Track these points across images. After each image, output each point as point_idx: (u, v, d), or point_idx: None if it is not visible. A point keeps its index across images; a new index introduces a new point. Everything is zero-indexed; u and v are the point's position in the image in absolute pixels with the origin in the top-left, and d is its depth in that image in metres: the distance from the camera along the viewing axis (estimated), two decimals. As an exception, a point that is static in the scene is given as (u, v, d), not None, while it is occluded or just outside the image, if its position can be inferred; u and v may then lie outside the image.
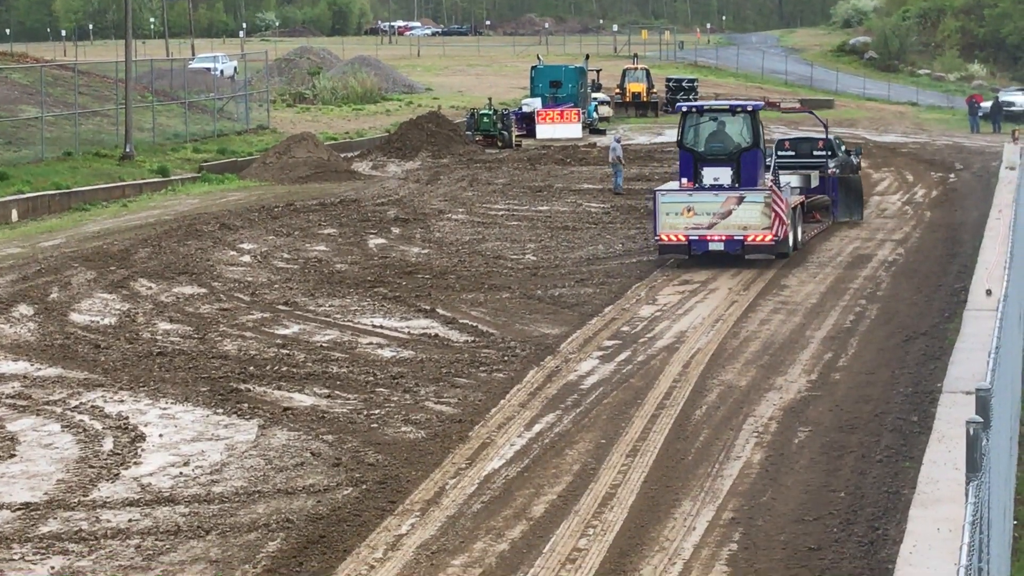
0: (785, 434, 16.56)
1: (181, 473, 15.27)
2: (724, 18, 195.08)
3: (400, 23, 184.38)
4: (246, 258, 29.48)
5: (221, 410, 17.72)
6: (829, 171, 34.99)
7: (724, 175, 28.46)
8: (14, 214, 35.84)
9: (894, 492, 14.19)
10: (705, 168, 28.62)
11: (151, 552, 12.96)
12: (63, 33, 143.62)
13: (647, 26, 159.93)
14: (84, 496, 14.49)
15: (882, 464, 15.25)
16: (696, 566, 12.51)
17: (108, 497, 14.47)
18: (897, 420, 16.95)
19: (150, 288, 26.01)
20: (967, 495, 7.34)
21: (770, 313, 23.82)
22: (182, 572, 12.52)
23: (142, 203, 39.54)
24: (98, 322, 23.08)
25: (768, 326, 22.74)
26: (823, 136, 36.52)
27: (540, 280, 26.79)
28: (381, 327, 22.65)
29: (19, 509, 14.13)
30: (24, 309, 23.97)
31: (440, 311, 23.86)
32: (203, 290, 25.82)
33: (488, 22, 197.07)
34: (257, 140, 54.18)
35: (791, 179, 32.14)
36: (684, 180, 28.89)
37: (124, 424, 17.08)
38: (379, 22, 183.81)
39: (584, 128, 61.53)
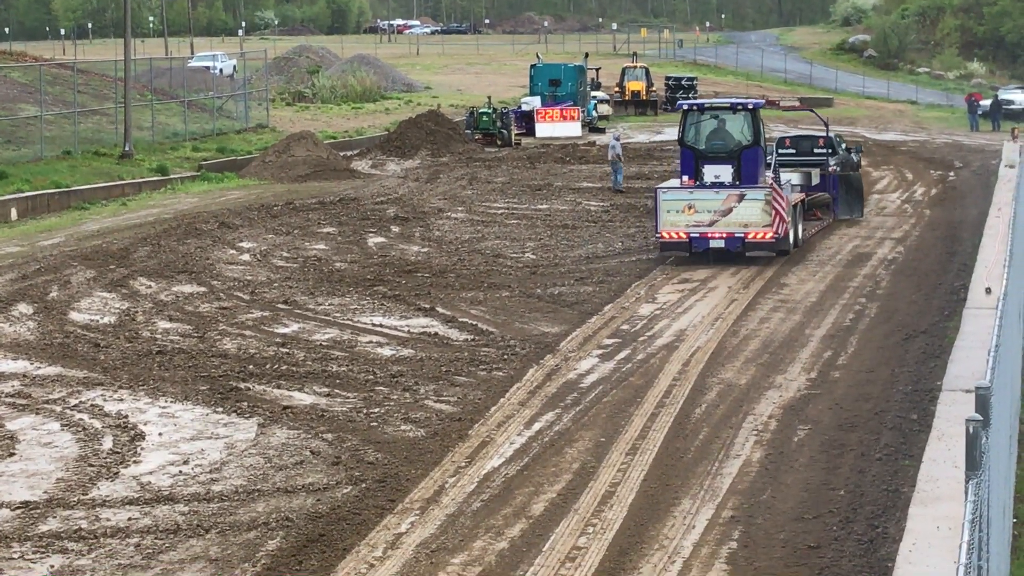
0: (785, 432, 16.56)
1: (180, 472, 15.27)
2: (723, 16, 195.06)
3: (399, 21, 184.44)
4: (245, 257, 29.48)
5: (221, 409, 17.71)
6: (830, 169, 35.04)
7: (725, 173, 28.56)
8: (13, 213, 35.84)
9: (894, 490, 14.19)
10: (706, 166, 28.72)
11: (150, 551, 12.95)
12: (62, 32, 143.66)
13: (646, 24, 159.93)
14: (83, 495, 14.48)
15: (882, 462, 15.25)
16: (696, 564, 12.51)
17: (107, 496, 14.46)
18: (897, 418, 16.95)
19: (149, 287, 26.00)
20: (967, 493, 7.35)
21: (770, 311, 23.82)
22: (181, 571, 12.52)
23: (141, 202, 39.53)
24: (97, 321, 23.07)
25: (768, 324, 22.74)
26: (824, 134, 36.59)
27: (540, 278, 26.79)
28: (381, 326, 22.65)
29: (18, 508, 14.12)
30: (23, 308, 23.96)
31: (440, 310, 23.86)
32: (202, 289, 25.81)
33: (487, 20, 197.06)
34: (256, 139, 54.16)
35: (792, 177, 32.18)
36: (685, 178, 28.97)
37: (124, 423, 17.08)
38: (378, 20, 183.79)
39: (583, 127, 61.53)
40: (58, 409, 17.76)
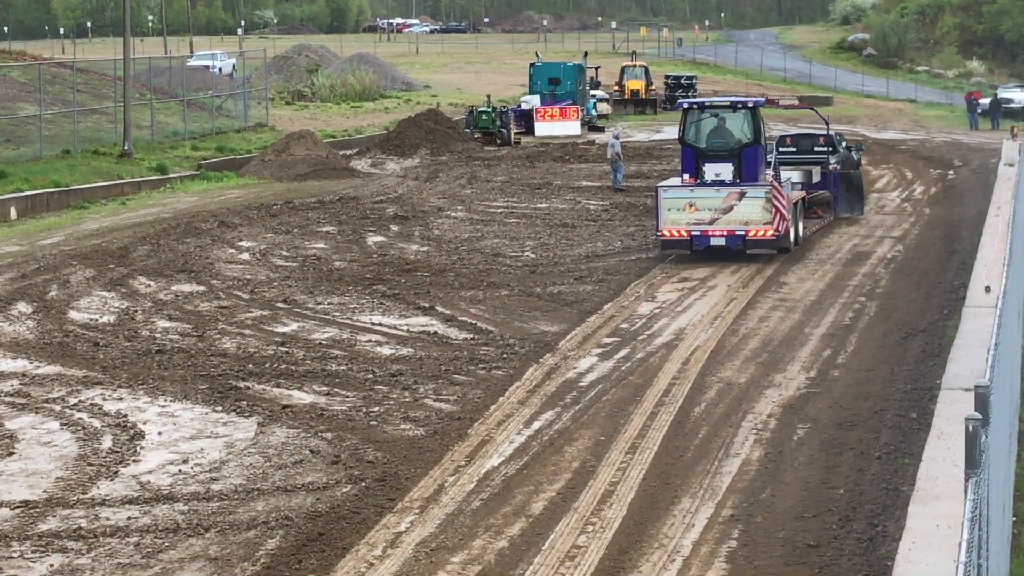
0: (784, 431, 16.56)
1: (180, 471, 15.27)
2: (723, 15, 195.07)
3: (398, 20, 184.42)
4: (245, 256, 29.48)
5: (220, 408, 17.71)
6: (830, 167, 35.09)
7: (725, 171, 28.68)
8: (13, 212, 35.83)
9: (893, 489, 14.19)
10: (707, 164, 28.84)
11: (150, 550, 12.95)
12: (61, 31, 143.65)
13: (645, 23, 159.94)
14: (83, 494, 14.48)
15: (881, 461, 15.25)
16: (695, 563, 12.51)
17: (107, 495, 14.46)
18: (896, 417, 16.95)
19: (149, 286, 26.00)
20: (966, 492, 7.35)
21: (769, 310, 23.82)
22: (181, 570, 12.52)
23: (141, 201, 39.53)
24: (97, 320, 23.07)
25: (767, 323, 22.74)
26: (824, 132, 36.65)
27: (539, 277, 26.79)
28: (380, 325, 22.65)
29: (18, 507, 14.12)
30: (23, 307, 23.96)
31: (439, 309, 23.86)
32: (202, 288, 25.81)
33: (486, 19, 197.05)
34: (256, 138, 54.15)
35: (792, 175, 32.26)
36: (686, 176, 29.06)
37: (123, 422, 17.07)
38: (377, 19, 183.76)
39: (583, 125, 61.53)
40: (57, 408, 17.76)
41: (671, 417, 17.14)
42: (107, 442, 16.29)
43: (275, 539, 13.16)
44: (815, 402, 17.84)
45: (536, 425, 16.87)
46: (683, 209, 28.48)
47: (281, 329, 22.40)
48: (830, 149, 36.28)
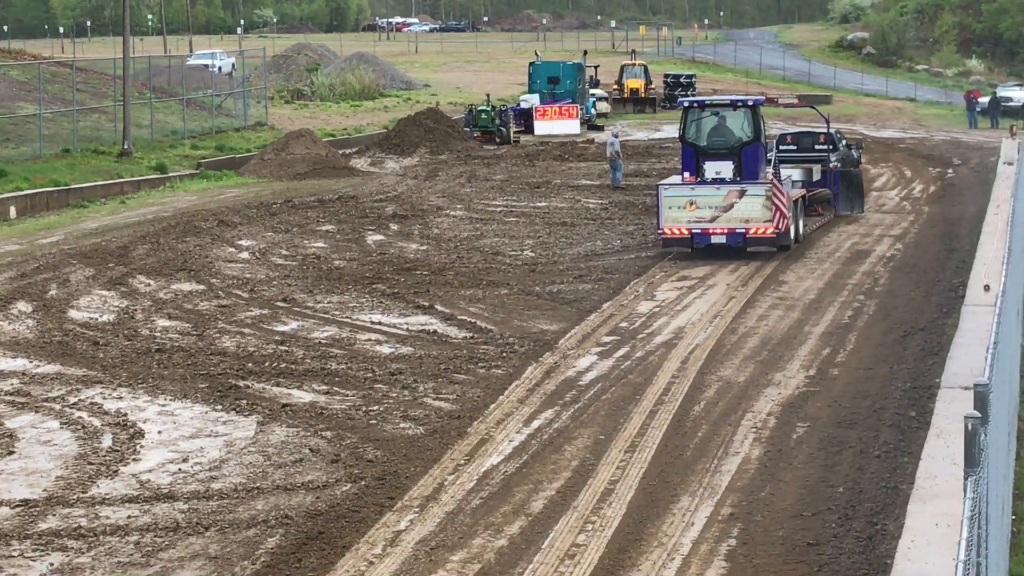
0: (783, 430, 16.57)
1: (180, 470, 15.27)
2: (722, 14, 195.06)
3: (398, 19, 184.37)
4: (244, 255, 29.49)
5: (220, 407, 17.72)
6: (831, 165, 35.15)
7: (726, 169, 28.79)
8: (12, 211, 35.83)
9: (892, 487, 14.20)
10: (707, 162, 28.94)
11: (150, 549, 12.96)
12: (61, 30, 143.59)
13: (645, 22, 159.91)
14: (83, 493, 14.49)
15: (880, 460, 15.26)
16: (695, 562, 12.51)
17: (107, 494, 14.47)
18: (895, 415, 16.95)
19: (148, 285, 26.00)
20: (965, 490, 7.35)
21: (768, 309, 23.83)
22: (181, 568, 12.52)
23: (140, 200, 39.53)
24: (97, 319, 23.08)
25: (766, 322, 22.75)
26: (825, 130, 36.72)
27: (538, 276, 26.80)
28: (380, 323, 22.65)
29: (18, 506, 14.13)
30: (23, 306, 23.97)
31: (439, 307, 23.86)
32: (201, 287, 25.82)
33: (486, 18, 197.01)
34: (255, 137, 54.15)
35: (793, 173, 32.35)
36: (686, 174, 29.15)
37: (123, 421, 17.08)
38: (377, 18, 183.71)
39: (582, 124, 61.54)
40: (57, 407, 17.76)
41: (670, 416, 17.15)
42: (107, 441, 16.29)
43: (275, 538, 13.16)
44: (814, 401, 17.85)
45: (536, 424, 16.88)
46: (684, 207, 28.60)
47: (281, 328, 22.41)
48: (830, 147, 36.33)
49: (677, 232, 28.66)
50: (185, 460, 15.61)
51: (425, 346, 20.95)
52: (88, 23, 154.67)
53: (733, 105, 29.85)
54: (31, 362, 20.16)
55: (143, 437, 16.45)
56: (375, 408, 17.57)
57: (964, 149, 53.61)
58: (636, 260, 28.80)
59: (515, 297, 24.86)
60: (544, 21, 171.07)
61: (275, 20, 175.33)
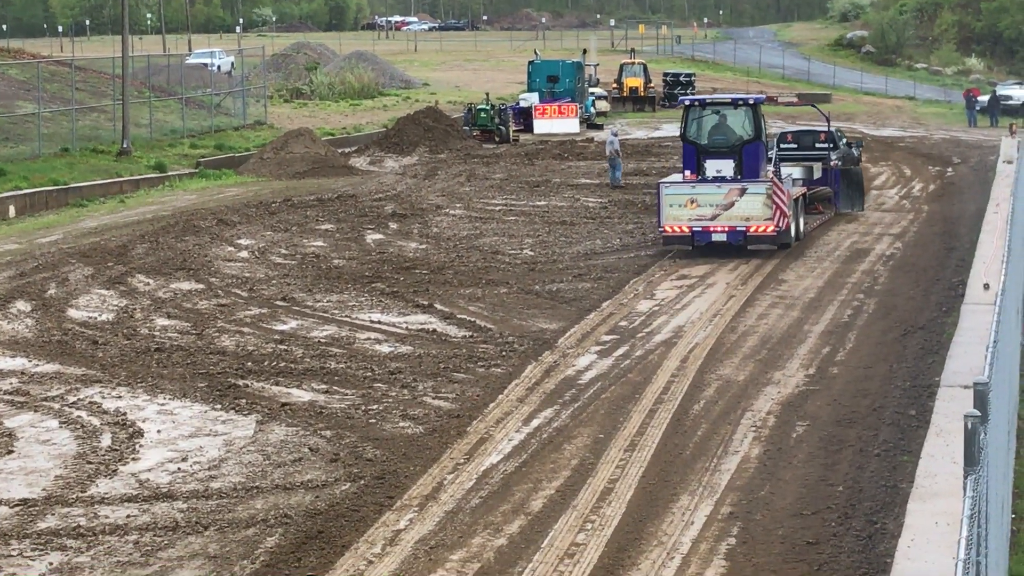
0: (783, 428, 16.56)
1: (179, 469, 15.26)
2: (721, 12, 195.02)
3: (397, 18, 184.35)
4: (243, 254, 29.48)
5: (219, 406, 17.71)
6: (831, 163, 35.20)
7: (726, 167, 28.86)
8: (11, 210, 35.81)
9: (892, 486, 14.19)
10: (708, 160, 29.02)
11: (149, 548, 12.95)
12: (60, 29, 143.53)
13: (644, 21, 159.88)
14: (82, 492, 14.48)
15: (880, 458, 15.25)
16: (694, 560, 12.50)
17: (106, 493, 14.46)
18: (895, 414, 16.95)
19: (147, 284, 25.99)
20: (965, 489, 7.35)
21: (768, 307, 23.82)
22: (180, 568, 12.51)
23: (139, 199, 39.51)
24: (96, 318, 23.06)
25: (766, 320, 22.74)
26: (825, 129, 36.77)
27: (538, 275, 26.79)
28: (379, 322, 22.64)
29: (17, 505, 14.12)
30: (22, 305, 23.95)
31: (438, 306, 23.85)
32: (200, 286, 25.81)
33: (485, 17, 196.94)
34: (254, 136, 54.15)
35: (794, 171, 32.42)
36: (687, 172, 29.21)
37: (122, 420, 17.07)
38: (376, 17, 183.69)
39: (581, 123, 61.54)
40: (56, 406, 17.75)
41: (670, 415, 17.14)
42: (106, 440, 16.28)
43: (274, 537, 13.15)
44: (814, 399, 17.84)
45: (535, 423, 16.87)
46: (685, 205, 28.69)
47: (280, 327, 22.40)
48: (831, 145, 36.37)
49: (678, 230, 28.74)
50: (184, 459, 15.60)
51: (424, 345, 20.94)
52: (87, 22, 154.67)
53: (734, 104, 29.95)
54: (30, 361, 20.15)
55: (142, 436, 16.44)
56: (374, 407, 17.56)
57: (963, 147, 53.62)
58: (635, 259, 28.79)
59: (514, 296, 24.85)
60: (543, 19, 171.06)
61: (274, 19, 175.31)
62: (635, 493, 14.25)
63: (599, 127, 61.78)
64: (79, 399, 18.09)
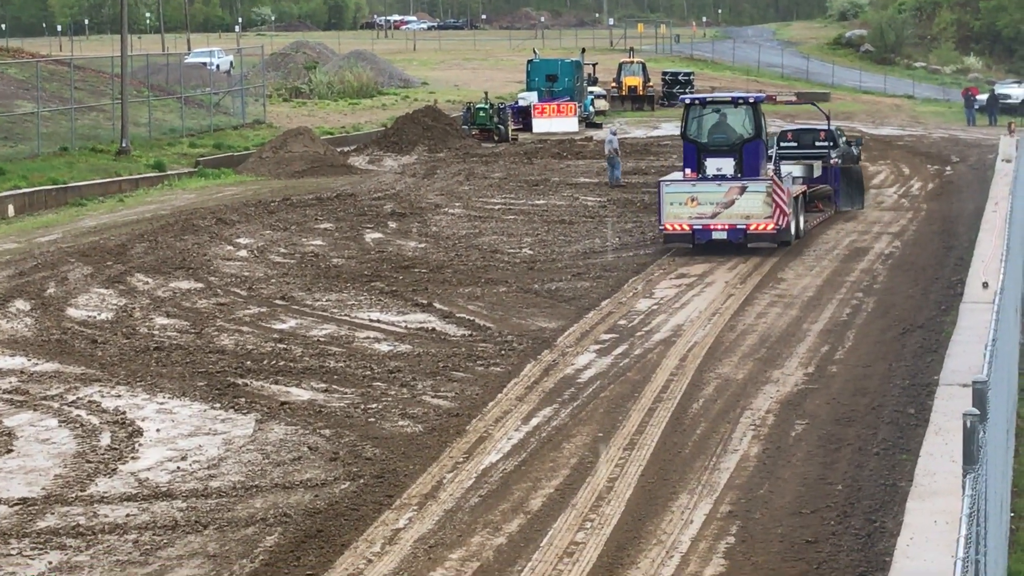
0: (782, 427, 16.57)
1: (178, 468, 15.26)
2: (720, 11, 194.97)
3: (396, 17, 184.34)
4: (243, 253, 29.48)
5: (218, 405, 17.71)
6: (831, 161, 35.24)
7: (727, 165, 28.94)
8: (10, 209, 35.81)
9: (891, 485, 14.20)
10: (708, 159, 29.10)
11: (149, 547, 12.95)
12: (59, 28, 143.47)
13: (643, 20, 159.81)
14: (81, 491, 14.48)
15: (879, 457, 15.26)
16: (693, 559, 12.51)
17: (105, 492, 14.46)
18: (894, 413, 16.95)
19: (147, 283, 25.99)
20: (964, 487, 7.35)
21: (767, 306, 23.83)
22: (180, 567, 12.52)
23: (138, 198, 39.51)
24: (95, 317, 23.06)
25: (765, 319, 22.74)
26: (825, 127, 36.81)
27: (537, 274, 26.79)
28: (378, 321, 22.64)
29: (16, 504, 14.12)
30: (21, 304, 23.95)
31: (437, 305, 23.85)
32: (200, 285, 25.81)
33: (484, 16, 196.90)
34: (253, 135, 54.14)
35: (794, 169, 32.47)
36: (688, 171, 29.28)
37: (121, 419, 17.07)
38: (375, 16, 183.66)
39: (580, 122, 61.54)
40: (56, 405, 17.75)
41: (669, 413, 17.14)
42: (105, 439, 16.28)
43: (274, 536, 13.16)
44: (813, 398, 17.85)
45: (534, 421, 16.88)
46: (685, 203, 28.77)
47: (279, 326, 22.40)
48: (831, 144, 36.40)
49: (678, 228, 28.81)
50: (184, 458, 15.60)
51: (423, 344, 20.94)
52: (86, 21, 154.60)
53: (734, 102, 30.01)
54: (29, 360, 20.15)
55: (141, 435, 16.44)
56: (374, 406, 17.56)
57: (962, 146, 53.63)
58: (635, 258, 28.80)
59: (513, 295, 24.86)
60: (542, 19, 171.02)
61: (273, 18, 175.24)
62: (634, 492, 14.25)
63: (598, 126, 61.78)
64: (78, 398, 18.09)
